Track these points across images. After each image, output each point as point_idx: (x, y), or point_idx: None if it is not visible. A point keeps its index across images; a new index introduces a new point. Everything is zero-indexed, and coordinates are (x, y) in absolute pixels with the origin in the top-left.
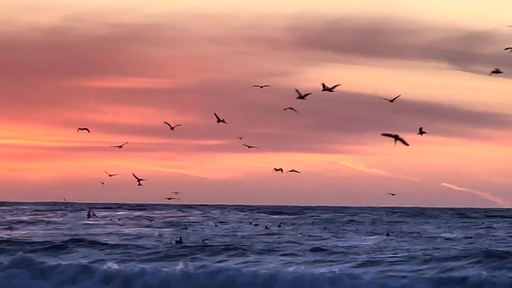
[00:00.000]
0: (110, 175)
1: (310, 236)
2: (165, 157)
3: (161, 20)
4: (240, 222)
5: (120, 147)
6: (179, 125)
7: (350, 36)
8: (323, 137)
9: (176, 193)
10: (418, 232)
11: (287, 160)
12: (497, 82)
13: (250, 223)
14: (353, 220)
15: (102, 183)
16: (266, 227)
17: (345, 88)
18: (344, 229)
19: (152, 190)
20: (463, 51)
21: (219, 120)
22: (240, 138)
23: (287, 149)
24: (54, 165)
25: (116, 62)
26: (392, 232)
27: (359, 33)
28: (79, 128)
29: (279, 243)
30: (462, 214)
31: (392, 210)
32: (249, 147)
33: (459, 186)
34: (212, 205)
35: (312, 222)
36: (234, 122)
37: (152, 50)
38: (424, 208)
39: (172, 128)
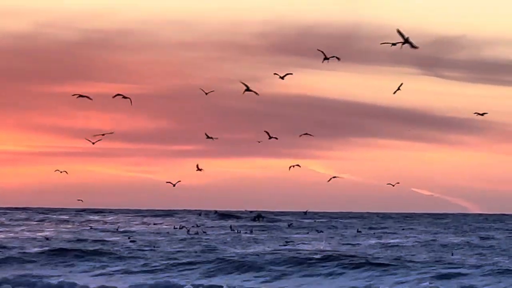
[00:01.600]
0: (60, 172)
1: (224, 243)
2: (136, 163)
3: (132, 26)
4: (177, 227)
5: (93, 143)
6: (217, 138)
7: (320, 41)
8: (293, 142)
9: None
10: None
11: (256, 165)
12: (466, 87)
13: (181, 227)
14: (292, 225)
15: (81, 200)
16: (188, 231)
17: (316, 93)
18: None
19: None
20: (432, 56)
21: (270, 137)
22: (259, 142)
23: (257, 154)
24: (24, 170)
25: (87, 68)
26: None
27: (329, 38)
28: (79, 95)
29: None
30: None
31: (348, 215)
32: (209, 137)
33: (431, 193)
34: (181, 210)
35: (251, 230)
36: (204, 127)
37: (123, 56)
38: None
39: (209, 138)
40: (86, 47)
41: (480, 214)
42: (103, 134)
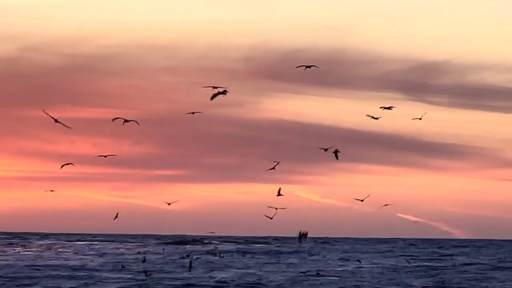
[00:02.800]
0: (51, 191)
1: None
2: (120, 187)
3: (116, 51)
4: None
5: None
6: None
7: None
8: (278, 167)
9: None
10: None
11: (242, 190)
12: (451, 113)
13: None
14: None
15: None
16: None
17: (300, 118)
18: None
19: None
20: (417, 82)
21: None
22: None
23: (242, 180)
24: (7, 195)
25: (71, 92)
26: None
27: (314, 63)
28: (56, 120)
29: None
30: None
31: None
32: (126, 121)
33: (417, 219)
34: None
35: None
36: (188, 152)
37: (107, 81)
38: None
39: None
40: (69, 72)
41: (465, 240)
42: (105, 156)
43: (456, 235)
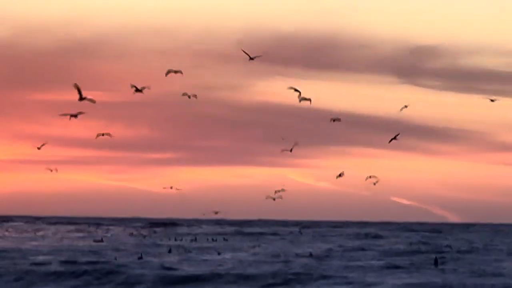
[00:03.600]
0: (51, 170)
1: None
2: (114, 170)
3: (109, 34)
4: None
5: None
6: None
7: (299, 50)
8: (271, 151)
9: None
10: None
11: (235, 173)
12: (443, 96)
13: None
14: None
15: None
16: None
17: (293, 101)
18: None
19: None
20: (411, 65)
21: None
22: (283, 139)
23: (235, 163)
24: (2, 178)
25: (64, 75)
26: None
27: (308, 47)
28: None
29: None
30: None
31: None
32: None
33: (410, 203)
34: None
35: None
36: (181, 135)
37: (101, 64)
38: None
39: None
40: (63, 55)
41: (458, 223)
42: (103, 134)
43: (449, 218)
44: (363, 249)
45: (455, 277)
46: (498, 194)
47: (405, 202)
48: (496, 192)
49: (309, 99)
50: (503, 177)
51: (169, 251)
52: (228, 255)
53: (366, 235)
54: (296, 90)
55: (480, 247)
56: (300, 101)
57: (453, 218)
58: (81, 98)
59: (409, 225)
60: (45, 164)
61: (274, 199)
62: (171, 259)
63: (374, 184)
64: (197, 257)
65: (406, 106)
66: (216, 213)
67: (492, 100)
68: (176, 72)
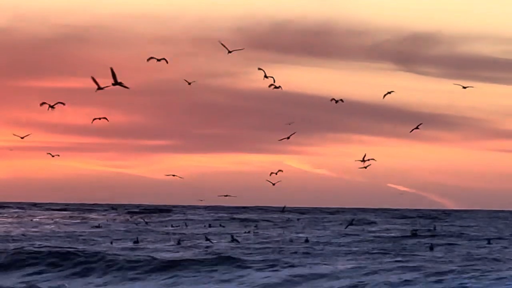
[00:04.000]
0: (52, 155)
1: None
2: (110, 157)
3: (107, 21)
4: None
5: (22, 138)
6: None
7: (295, 37)
8: (268, 138)
9: None
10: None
11: (232, 160)
12: (442, 83)
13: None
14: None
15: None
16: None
17: (291, 88)
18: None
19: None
20: (408, 52)
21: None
22: (289, 124)
23: (233, 150)
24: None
25: (62, 62)
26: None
27: (304, 34)
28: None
29: None
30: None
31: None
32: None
33: (401, 193)
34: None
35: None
36: (179, 122)
37: (98, 51)
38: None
39: None
40: (60, 42)
41: (456, 210)
42: (100, 118)
43: (447, 205)
44: (357, 235)
45: (446, 262)
46: (496, 181)
47: (401, 188)
48: (494, 179)
49: (279, 87)
50: (501, 164)
51: (167, 234)
52: (223, 240)
53: (361, 221)
54: (266, 75)
55: (472, 234)
56: (269, 86)
57: (450, 205)
58: (116, 83)
59: (405, 211)
60: (41, 151)
61: (273, 184)
62: (166, 244)
63: (365, 167)
64: (193, 243)
65: (390, 92)
66: (227, 196)
67: (464, 87)
68: (159, 60)
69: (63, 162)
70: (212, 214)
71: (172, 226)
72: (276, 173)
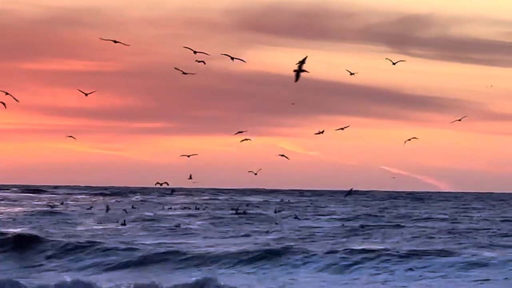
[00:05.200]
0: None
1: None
2: (104, 140)
3: (98, 3)
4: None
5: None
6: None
7: (288, 19)
8: (261, 120)
9: None
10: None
11: (225, 142)
12: (434, 65)
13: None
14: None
15: None
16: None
17: (283, 71)
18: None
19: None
20: (401, 34)
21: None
22: (293, 104)
23: (225, 132)
24: None
25: (54, 45)
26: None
27: (297, 16)
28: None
29: None
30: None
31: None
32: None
33: (393, 177)
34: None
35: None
36: (173, 105)
37: (90, 33)
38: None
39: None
40: (52, 25)
41: (448, 192)
42: (86, 94)
43: (440, 187)
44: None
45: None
46: (490, 164)
47: (394, 171)
48: (487, 161)
49: (243, 60)
50: (494, 146)
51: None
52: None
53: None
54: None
55: (449, 216)
56: (232, 59)
57: (444, 187)
58: (196, 52)
59: (396, 193)
60: (33, 133)
61: (255, 174)
62: (152, 225)
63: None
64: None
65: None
66: (191, 177)
67: (393, 63)
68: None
69: (55, 144)
70: (211, 197)
71: (163, 208)
72: (257, 171)
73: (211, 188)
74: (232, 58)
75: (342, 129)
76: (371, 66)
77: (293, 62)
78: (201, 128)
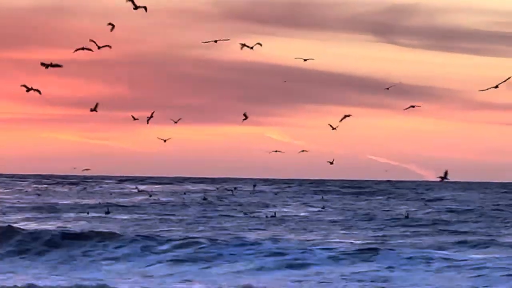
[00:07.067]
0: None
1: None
2: (92, 129)
3: None
4: None
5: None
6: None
7: (275, 8)
8: (249, 109)
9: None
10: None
11: (213, 132)
12: (421, 54)
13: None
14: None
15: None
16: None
17: (271, 60)
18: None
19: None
20: (387, 23)
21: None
22: (285, 81)
23: (213, 122)
24: None
25: (41, 34)
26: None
27: (284, 5)
28: (49, 65)
29: None
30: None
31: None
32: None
33: (386, 170)
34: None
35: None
36: (160, 93)
37: (77, 22)
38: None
39: None
40: (39, 13)
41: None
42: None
43: (428, 177)
44: (323, 208)
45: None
46: (478, 153)
47: (382, 160)
48: (476, 150)
49: (228, 39)
50: (479, 135)
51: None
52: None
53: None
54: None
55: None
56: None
57: (432, 177)
58: (217, 41)
59: (383, 183)
60: (22, 123)
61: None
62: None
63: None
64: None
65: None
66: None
67: (304, 60)
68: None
69: (44, 133)
70: (203, 186)
71: (150, 196)
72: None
73: (203, 177)
74: (216, 41)
75: (346, 117)
76: (358, 55)
77: (279, 51)
78: (188, 117)
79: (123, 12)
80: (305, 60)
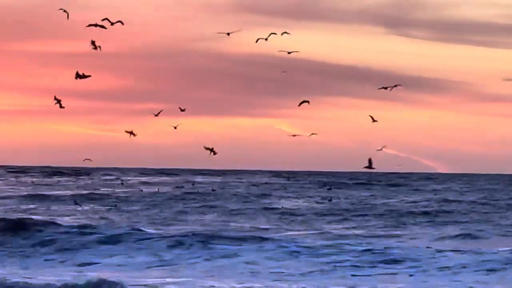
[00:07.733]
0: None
1: None
2: (102, 121)
3: None
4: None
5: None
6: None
7: (284, 0)
8: (259, 101)
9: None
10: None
11: (223, 124)
12: (432, 47)
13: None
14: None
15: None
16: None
17: (282, 52)
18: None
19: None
20: (398, 15)
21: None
22: (284, 72)
23: (223, 114)
24: None
25: (50, 26)
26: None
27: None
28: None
29: None
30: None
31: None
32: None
33: (397, 153)
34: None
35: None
36: (170, 86)
37: (86, 14)
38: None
39: None
40: (48, 5)
41: (446, 174)
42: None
43: (438, 169)
44: (330, 200)
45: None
46: (486, 145)
47: (391, 152)
48: (484, 143)
49: (239, 30)
50: (487, 127)
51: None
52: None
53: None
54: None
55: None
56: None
57: (442, 169)
58: (229, 33)
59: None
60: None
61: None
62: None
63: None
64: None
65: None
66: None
67: (289, 53)
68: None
69: (53, 125)
70: (212, 179)
71: (158, 190)
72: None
73: (210, 169)
74: (228, 34)
75: (304, 102)
76: (368, 48)
77: (290, 43)
78: (197, 110)
79: (133, 5)
80: (289, 53)
